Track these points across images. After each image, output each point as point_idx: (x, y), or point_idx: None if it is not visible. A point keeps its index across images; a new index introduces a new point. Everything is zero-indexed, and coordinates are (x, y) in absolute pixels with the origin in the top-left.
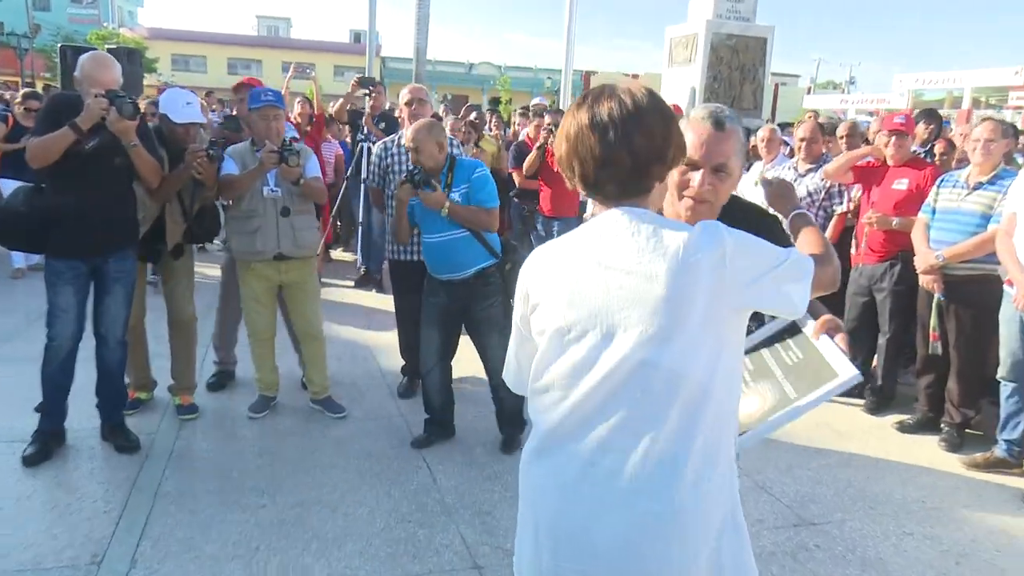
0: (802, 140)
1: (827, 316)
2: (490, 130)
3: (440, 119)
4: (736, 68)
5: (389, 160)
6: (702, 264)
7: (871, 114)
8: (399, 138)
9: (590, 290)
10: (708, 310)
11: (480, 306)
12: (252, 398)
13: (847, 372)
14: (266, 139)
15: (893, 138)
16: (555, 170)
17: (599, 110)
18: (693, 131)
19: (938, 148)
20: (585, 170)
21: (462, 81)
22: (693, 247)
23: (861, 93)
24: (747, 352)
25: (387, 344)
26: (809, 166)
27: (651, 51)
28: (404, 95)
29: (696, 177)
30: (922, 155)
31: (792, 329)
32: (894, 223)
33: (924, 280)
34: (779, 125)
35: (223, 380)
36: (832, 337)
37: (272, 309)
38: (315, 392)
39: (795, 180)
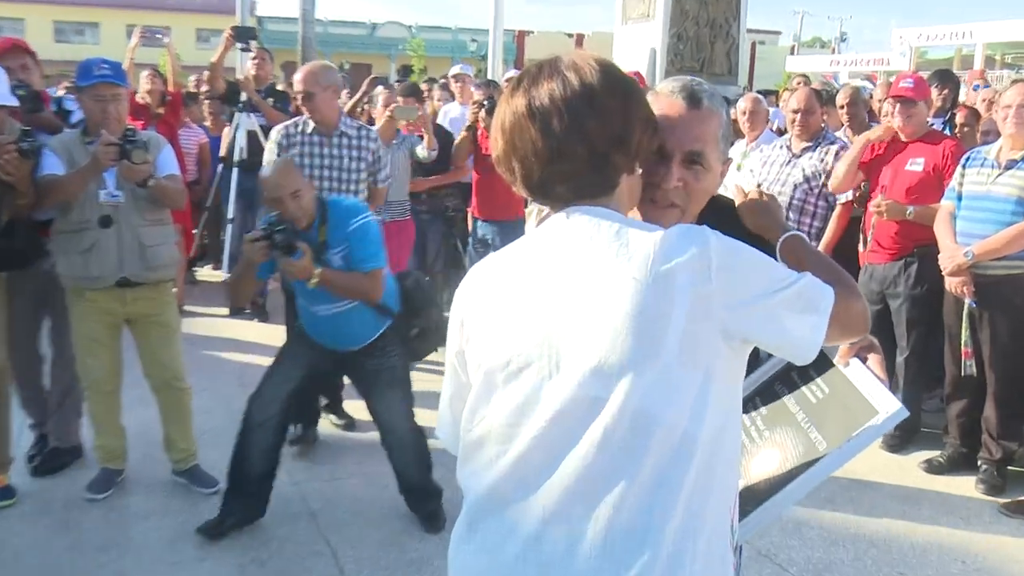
0: (795, 112)
1: (864, 340)
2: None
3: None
4: (705, 24)
5: (298, 151)
6: (677, 275)
7: (867, 78)
8: (303, 123)
9: (535, 312)
10: (687, 335)
11: (373, 359)
12: (91, 473)
13: (889, 406)
14: (102, 128)
15: (898, 107)
16: (489, 159)
17: (538, 93)
18: (660, 109)
19: (959, 118)
20: (528, 170)
21: (363, 46)
22: (665, 253)
23: (855, 52)
24: (756, 391)
25: None
26: (805, 144)
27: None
28: (297, 84)
29: (662, 172)
30: (940, 128)
31: None
32: (908, 212)
33: (951, 283)
34: (760, 93)
35: (54, 454)
36: (864, 360)
37: (115, 351)
38: (177, 460)
39: (788, 161)
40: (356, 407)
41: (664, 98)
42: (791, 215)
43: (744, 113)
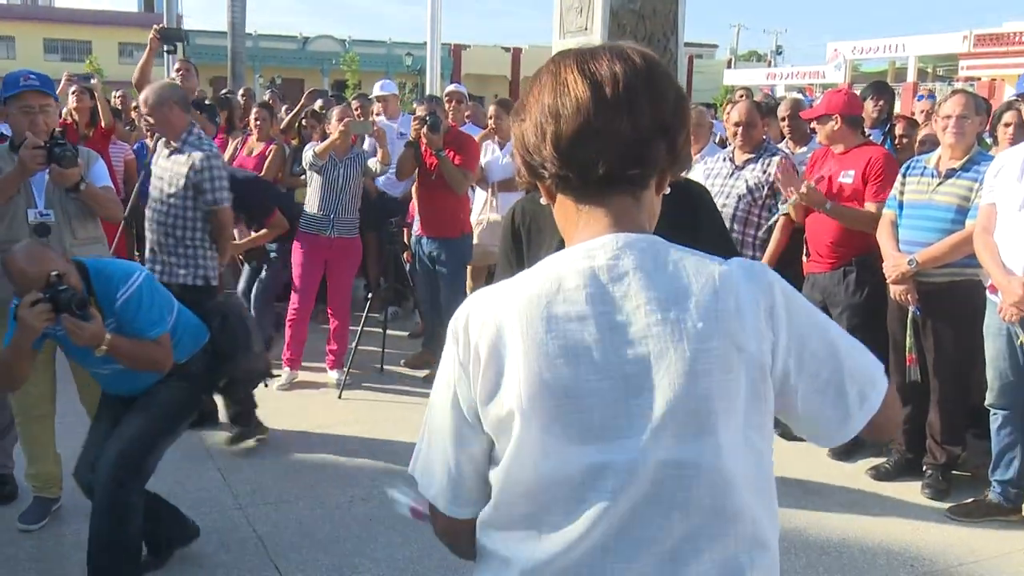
0: (737, 125)
1: None
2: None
3: (270, 111)
4: (643, 38)
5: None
6: (746, 324)
7: (801, 91)
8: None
9: (589, 356)
10: (753, 391)
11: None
12: (23, 503)
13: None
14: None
15: (817, 125)
16: (432, 175)
17: (595, 65)
18: None
19: (898, 128)
20: (561, 140)
21: (295, 60)
22: (735, 296)
23: (791, 66)
24: None
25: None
26: (747, 156)
27: (534, 19)
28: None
29: None
30: (879, 139)
31: None
32: (827, 206)
33: (895, 291)
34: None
35: None
36: None
37: (48, 374)
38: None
39: (731, 174)
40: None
41: None
42: (735, 227)
43: None
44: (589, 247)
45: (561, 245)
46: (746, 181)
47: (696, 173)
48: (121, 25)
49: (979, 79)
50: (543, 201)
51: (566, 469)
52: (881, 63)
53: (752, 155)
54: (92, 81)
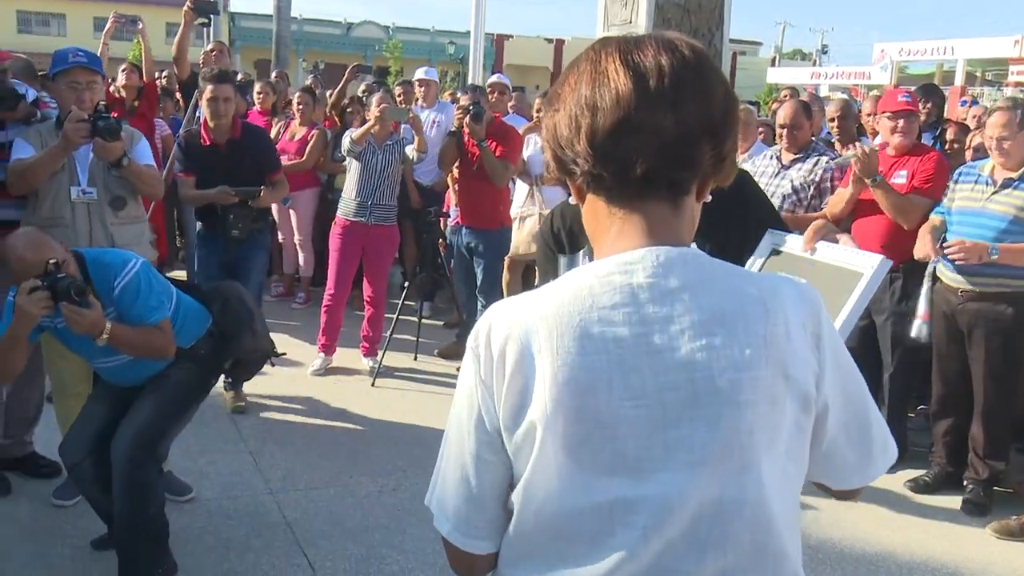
0: (783, 127)
1: (816, 222)
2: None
3: (312, 96)
4: (689, 33)
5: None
6: (795, 339)
7: (846, 91)
8: None
9: (625, 382)
10: (795, 417)
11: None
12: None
13: (871, 261)
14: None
15: (901, 122)
16: (474, 166)
17: (639, 55)
18: None
19: (949, 133)
20: (596, 135)
21: (338, 45)
22: (778, 307)
23: (835, 65)
24: None
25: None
26: (794, 156)
27: (577, 10)
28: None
29: None
30: (930, 142)
31: (770, 255)
32: (876, 180)
33: (920, 249)
34: (750, 102)
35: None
36: (835, 242)
37: None
38: None
39: (778, 173)
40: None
41: None
42: None
43: None
44: (625, 261)
45: None
46: (791, 181)
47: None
48: (169, 5)
49: None
50: (572, 201)
51: (593, 501)
52: (929, 65)
53: (799, 155)
54: (139, 26)
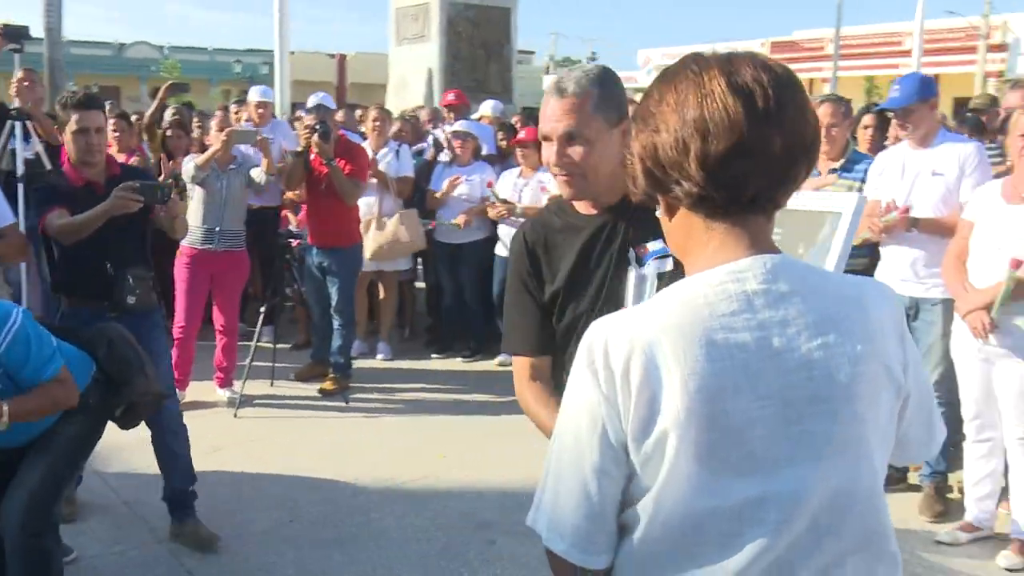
0: None
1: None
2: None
3: (128, 121)
4: (479, 45)
5: None
6: (888, 334)
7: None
8: None
9: (753, 385)
10: (890, 405)
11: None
12: None
13: (849, 201)
14: None
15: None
16: (322, 185)
17: (742, 75)
18: (544, 105)
19: None
20: (709, 158)
21: (110, 67)
22: (872, 305)
23: None
24: None
25: None
26: None
27: (357, 25)
28: None
29: (546, 153)
30: None
31: None
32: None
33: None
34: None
35: None
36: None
37: None
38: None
39: None
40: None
41: (545, 95)
42: None
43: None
44: (735, 270)
45: (581, 261)
46: None
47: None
48: None
49: None
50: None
51: (723, 503)
52: None
53: None
54: None
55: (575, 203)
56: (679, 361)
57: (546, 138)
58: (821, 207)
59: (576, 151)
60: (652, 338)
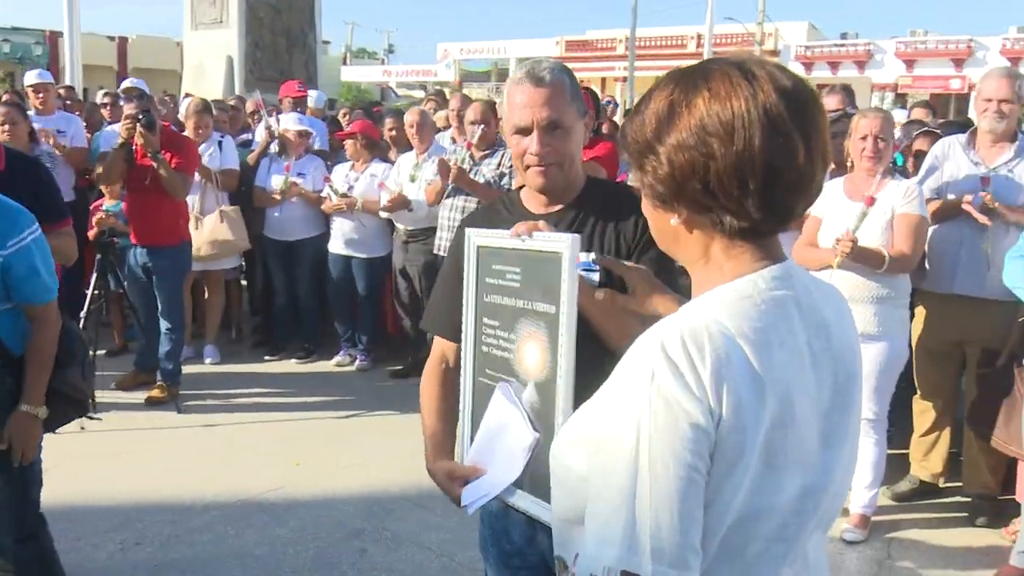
0: (473, 123)
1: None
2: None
3: None
4: (281, 33)
5: None
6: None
7: (423, 87)
8: None
9: (805, 386)
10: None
11: None
12: None
13: (564, 239)
14: None
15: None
16: (146, 180)
17: (758, 85)
18: (516, 96)
19: (605, 127)
20: (776, 192)
21: None
22: (848, 309)
23: (403, 64)
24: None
25: None
26: (483, 152)
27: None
28: None
29: (527, 142)
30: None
31: (478, 254)
32: None
33: None
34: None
35: None
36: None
37: None
38: None
39: (470, 169)
40: None
41: (515, 85)
42: None
43: (412, 127)
44: (774, 276)
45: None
46: (483, 176)
47: (427, 171)
48: None
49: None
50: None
51: (784, 499)
52: (486, 63)
53: (487, 151)
54: None
55: (524, 199)
56: (761, 365)
57: (523, 129)
58: (544, 245)
59: (558, 140)
60: (728, 341)
